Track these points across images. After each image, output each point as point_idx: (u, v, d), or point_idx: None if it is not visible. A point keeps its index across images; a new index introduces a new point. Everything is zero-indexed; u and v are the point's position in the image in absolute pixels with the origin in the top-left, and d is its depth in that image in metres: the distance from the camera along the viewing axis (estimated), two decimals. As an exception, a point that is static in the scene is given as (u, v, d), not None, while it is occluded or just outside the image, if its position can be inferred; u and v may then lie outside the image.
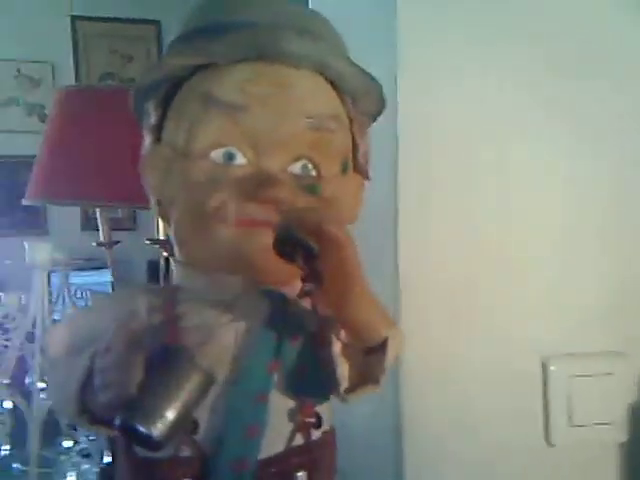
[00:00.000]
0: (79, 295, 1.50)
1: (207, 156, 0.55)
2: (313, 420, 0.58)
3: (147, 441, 0.49)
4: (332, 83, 0.59)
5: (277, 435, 0.56)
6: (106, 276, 1.63)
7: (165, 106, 0.59)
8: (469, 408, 0.85)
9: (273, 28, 0.56)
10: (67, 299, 1.41)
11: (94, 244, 1.67)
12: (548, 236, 0.87)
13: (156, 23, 4.12)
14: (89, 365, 0.53)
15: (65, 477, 1.20)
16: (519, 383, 0.87)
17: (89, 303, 1.52)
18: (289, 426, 0.57)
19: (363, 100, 0.61)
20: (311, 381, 0.57)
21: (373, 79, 0.61)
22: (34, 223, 3.71)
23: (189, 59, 0.57)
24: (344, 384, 0.57)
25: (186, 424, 0.51)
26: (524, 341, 0.86)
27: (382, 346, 0.53)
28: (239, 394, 0.55)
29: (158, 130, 0.60)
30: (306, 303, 0.59)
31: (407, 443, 0.83)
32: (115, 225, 1.68)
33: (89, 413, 0.54)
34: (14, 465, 1.28)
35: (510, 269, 0.86)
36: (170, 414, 0.49)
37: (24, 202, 1.53)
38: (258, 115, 0.55)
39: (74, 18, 3.98)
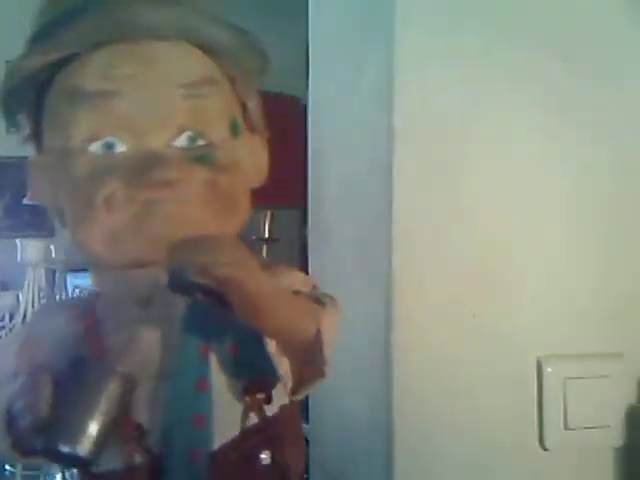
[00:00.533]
0: (78, 294, 1.50)
1: (86, 151, 0.54)
2: (262, 396, 0.55)
3: (75, 460, 0.47)
4: (203, 47, 0.57)
5: (229, 418, 0.54)
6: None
7: (37, 113, 0.57)
8: (462, 408, 0.83)
9: (122, 4, 0.54)
10: (64, 298, 1.41)
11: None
12: (547, 237, 0.85)
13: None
14: (9, 399, 0.51)
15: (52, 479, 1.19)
16: (514, 384, 0.84)
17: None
18: (239, 406, 0.54)
19: (242, 58, 0.59)
20: (246, 357, 0.55)
21: (245, 35, 0.58)
22: (40, 224, 3.73)
23: (43, 57, 0.55)
24: (288, 382, 0.55)
25: (112, 433, 0.49)
26: (520, 342, 0.84)
27: (317, 338, 0.52)
28: (176, 386, 0.53)
29: (37, 139, 0.58)
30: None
31: (398, 443, 0.81)
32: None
33: (19, 445, 0.51)
34: (6, 466, 1.27)
35: (507, 269, 0.84)
36: (93, 428, 0.47)
37: (25, 201, 1.53)
38: (127, 98, 0.53)
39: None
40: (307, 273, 1.00)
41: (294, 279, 0.60)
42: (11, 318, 1.28)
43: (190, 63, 0.56)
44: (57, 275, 1.49)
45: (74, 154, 0.54)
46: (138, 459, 0.52)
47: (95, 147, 0.53)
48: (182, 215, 0.53)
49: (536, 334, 0.84)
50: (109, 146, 0.53)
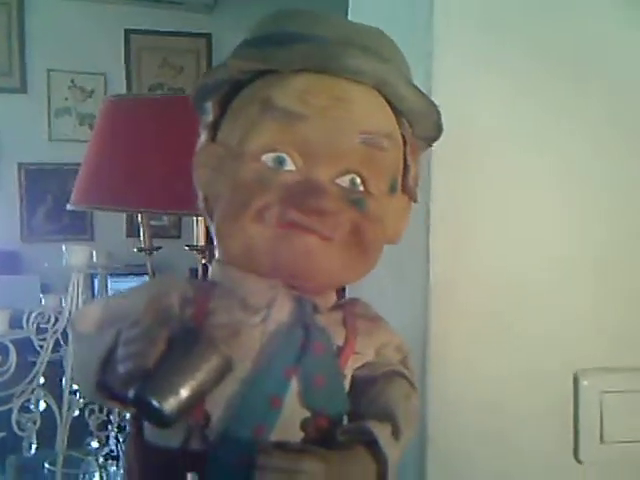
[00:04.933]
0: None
1: (258, 159, 0.56)
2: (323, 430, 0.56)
3: (157, 416, 0.49)
4: (391, 103, 0.60)
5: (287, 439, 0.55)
6: (147, 282, 1.65)
7: (224, 106, 0.61)
8: (496, 420, 0.83)
9: (339, 43, 0.57)
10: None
11: (135, 250, 1.70)
12: (586, 248, 0.85)
13: (207, 36, 4.19)
14: (114, 340, 0.53)
15: (91, 478, 1.21)
16: (549, 397, 0.84)
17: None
18: (299, 435, 0.55)
19: (420, 124, 0.62)
20: (326, 393, 0.57)
21: (432, 104, 0.61)
22: (80, 229, 3.80)
23: (254, 64, 0.58)
24: None
25: (196, 405, 0.51)
26: (556, 353, 0.84)
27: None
28: (254, 393, 0.54)
29: (214, 129, 0.61)
30: (337, 315, 0.60)
31: (430, 450, 0.81)
32: (160, 233, 1.71)
33: (107, 389, 0.54)
34: (45, 465, 1.30)
35: (545, 280, 0.84)
36: (184, 392, 0.49)
37: (68, 207, 1.56)
38: (313, 125, 0.56)
39: (128, 31, 4.08)
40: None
41: (389, 341, 0.63)
42: (55, 321, 1.31)
43: (379, 114, 0.59)
44: (98, 279, 1.52)
45: (246, 156, 0.57)
46: (194, 445, 0.54)
47: (266, 158, 0.56)
48: (320, 250, 0.55)
49: (574, 347, 0.84)
50: (280, 161, 0.56)
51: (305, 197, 0.54)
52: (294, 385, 0.55)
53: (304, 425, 0.56)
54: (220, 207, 0.58)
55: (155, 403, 0.48)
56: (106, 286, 1.52)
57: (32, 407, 1.25)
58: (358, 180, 0.57)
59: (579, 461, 0.83)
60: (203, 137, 0.62)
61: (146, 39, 4.11)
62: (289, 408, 0.55)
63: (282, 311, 0.56)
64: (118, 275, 1.94)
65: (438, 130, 0.63)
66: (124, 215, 3.59)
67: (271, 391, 0.55)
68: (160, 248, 1.72)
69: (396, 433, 0.56)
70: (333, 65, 0.56)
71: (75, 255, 1.34)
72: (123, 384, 0.51)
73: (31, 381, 1.27)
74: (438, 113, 0.62)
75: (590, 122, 0.86)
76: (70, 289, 1.30)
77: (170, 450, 0.54)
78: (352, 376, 0.60)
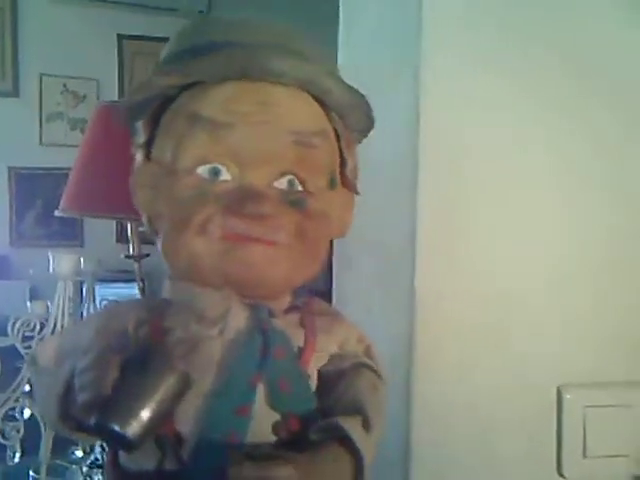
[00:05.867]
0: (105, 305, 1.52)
1: (193, 172, 0.56)
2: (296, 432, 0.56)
3: (122, 441, 0.48)
4: (319, 100, 0.60)
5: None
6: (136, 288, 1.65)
7: (154, 124, 0.60)
8: (480, 432, 0.83)
9: (258, 47, 0.57)
10: (92, 309, 1.44)
11: (123, 256, 1.70)
12: (572, 262, 0.86)
13: (200, 42, 4.19)
14: (70, 373, 0.53)
15: (75, 487, 1.21)
16: (533, 411, 0.84)
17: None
18: (272, 438, 0.55)
19: (350, 116, 0.62)
20: (293, 395, 0.57)
21: (360, 95, 0.61)
22: (70, 234, 3.78)
23: (176, 79, 0.58)
24: None
25: (161, 425, 0.51)
26: (540, 368, 0.84)
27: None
28: (220, 405, 0.54)
29: (147, 148, 0.61)
30: (294, 317, 0.60)
31: (414, 462, 0.82)
32: (149, 238, 1.71)
33: (71, 420, 0.54)
34: (30, 473, 1.29)
35: (530, 294, 0.85)
36: (144, 414, 0.49)
37: (57, 213, 1.56)
38: (241, 132, 0.56)
39: (121, 37, 4.08)
40: (331, 295, 1.02)
41: (349, 335, 0.63)
42: (41, 328, 1.30)
43: (306, 113, 0.59)
44: (85, 286, 1.52)
45: (180, 171, 0.57)
46: (169, 465, 0.54)
47: (202, 170, 0.56)
48: (266, 258, 0.56)
49: (558, 362, 0.85)
50: (215, 172, 0.56)
51: (243, 203, 0.54)
52: (260, 391, 0.55)
53: (275, 428, 0.56)
54: (163, 225, 0.58)
55: (117, 429, 0.48)
56: (93, 293, 1.51)
57: (17, 415, 1.24)
58: (296, 181, 0.58)
59: (562, 476, 0.84)
60: (138, 157, 0.61)
61: (139, 45, 4.11)
62: (258, 414, 0.55)
63: (238, 320, 0.56)
64: (106, 281, 1.93)
65: (370, 120, 0.63)
66: (114, 221, 3.59)
67: (238, 401, 0.55)
68: (148, 255, 1.72)
69: (367, 426, 0.56)
70: (254, 70, 0.56)
71: (62, 263, 1.34)
72: (84, 414, 0.50)
73: (15, 389, 1.26)
74: (367, 104, 0.62)
75: (590, 122, 0.86)
76: (56, 298, 1.29)
77: (146, 473, 0.54)
78: (319, 372, 0.60)
